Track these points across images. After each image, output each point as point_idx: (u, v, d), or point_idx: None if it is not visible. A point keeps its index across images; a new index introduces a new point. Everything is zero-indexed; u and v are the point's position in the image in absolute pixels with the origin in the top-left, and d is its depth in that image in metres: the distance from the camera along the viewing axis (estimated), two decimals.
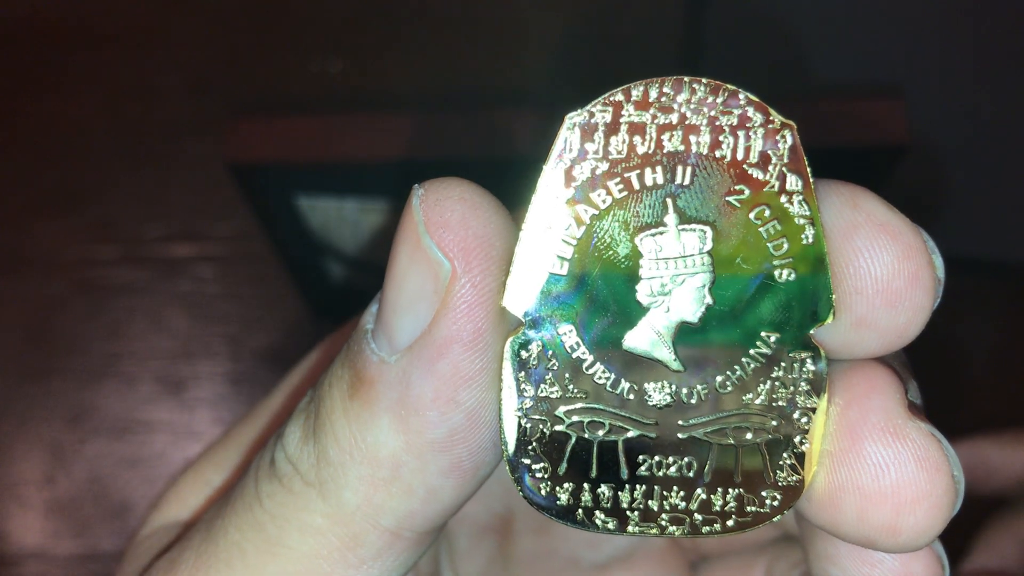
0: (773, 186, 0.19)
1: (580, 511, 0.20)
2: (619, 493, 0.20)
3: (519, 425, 0.20)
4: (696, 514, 0.20)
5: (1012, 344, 0.65)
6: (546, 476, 0.20)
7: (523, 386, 0.20)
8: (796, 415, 0.20)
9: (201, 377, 0.68)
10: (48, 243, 0.70)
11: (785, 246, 0.19)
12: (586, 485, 0.20)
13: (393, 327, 0.19)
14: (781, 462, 0.20)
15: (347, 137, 0.55)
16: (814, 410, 0.20)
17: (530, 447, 0.20)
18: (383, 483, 0.19)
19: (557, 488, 0.20)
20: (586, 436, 0.20)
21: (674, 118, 0.19)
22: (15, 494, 0.66)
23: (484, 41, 0.70)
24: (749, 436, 0.20)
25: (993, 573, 0.41)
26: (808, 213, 0.19)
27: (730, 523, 0.20)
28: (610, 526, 0.20)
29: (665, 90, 0.19)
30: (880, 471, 0.19)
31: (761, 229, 0.19)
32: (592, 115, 0.19)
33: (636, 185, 0.19)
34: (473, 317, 0.19)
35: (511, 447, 0.20)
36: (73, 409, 0.68)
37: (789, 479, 0.20)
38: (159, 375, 0.68)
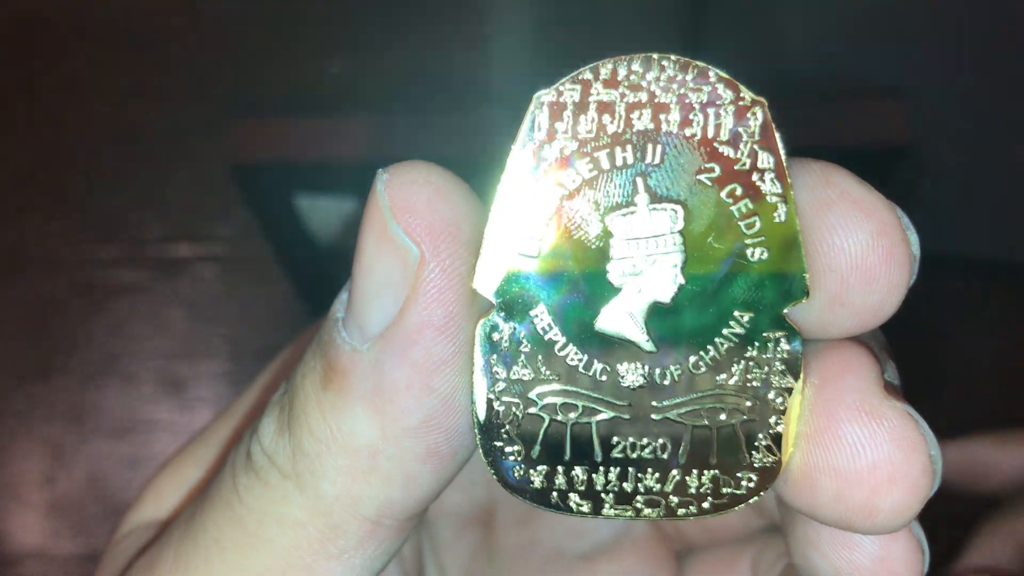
0: (744, 164, 0.19)
1: (554, 494, 0.20)
2: (593, 476, 0.20)
3: (492, 408, 0.19)
4: (671, 496, 0.20)
5: (1013, 345, 0.65)
6: (519, 459, 0.20)
7: (495, 369, 0.19)
8: (771, 395, 0.20)
9: (201, 377, 0.68)
10: (48, 243, 0.70)
11: (757, 224, 0.19)
12: (560, 468, 0.20)
13: (363, 315, 0.19)
14: (757, 443, 0.20)
15: (347, 137, 0.55)
16: (789, 390, 0.20)
17: (503, 430, 0.20)
18: (361, 473, 0.19)
19: (531, 471, 0.20)
20: (559, 418, 0.20)
21: (643, 96, 0.19)
22: (15, 494, 0.66)
23: (484, 41, 0.70)
24: (724, 417, 0.20)
25: (987, 571, 0.41)
26: (780, 191, 0.19)
27: (706, 505, 0.20)
28: (584, 509, 0.20)
29: (634, 68, 0.19)
30: (856, 451, 0.19)
31: (733, 208, 0.19)
32: (560, 93, 0.19)
33: (606, 164, 0.19)
34: (444, 301, 0.19)
35: (484, 430, 0.20)
36: (73, 409, 0.68)
37: (765, 460, 0.20)
38: (159, 375, 0.68)
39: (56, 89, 0.73)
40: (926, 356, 0.25)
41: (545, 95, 0.19)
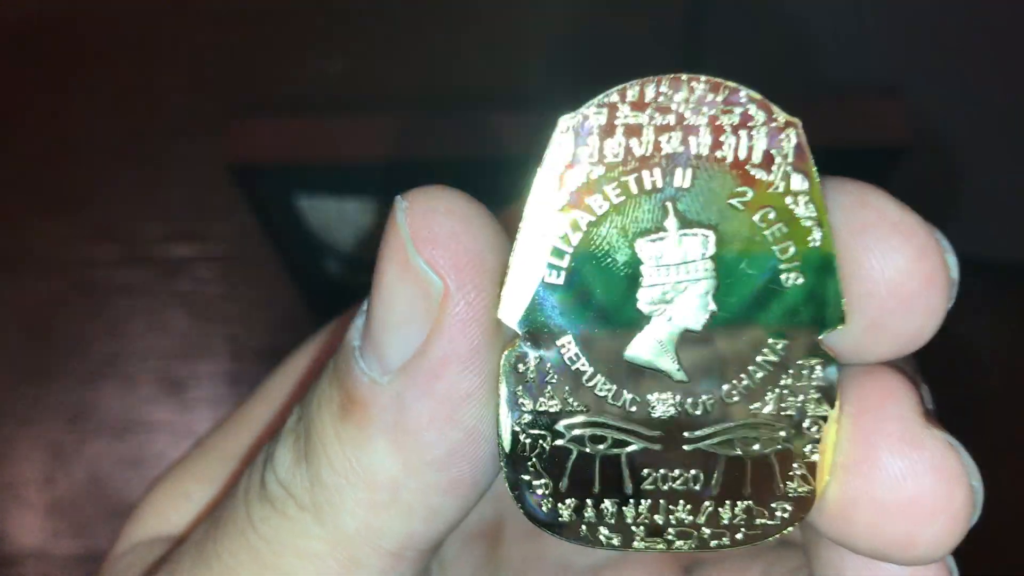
0: (778, 187, 0.18)
1: (583, 527, 0.19)
2: (623, 508, 0.19)
3: (518, 441, 0.19)
4: (704, 528, 0.19)
5: (1018, 344, 0.64)
6: (547, 492, 0.19)
7: (521, 400, 0.19)
8: (806, 424, 0.19)
9: (201, 377, 0.68)
10: (48, 243, 0.70)
11: (791, 249, 0.18)
12: (589, 501, 0.19)
13: (383, 347, 0.19)
14: (791, 472, 0.19)
15: (347, 137, 0.55)
16: (825, 419, 0.19)
17: (530, 463, 0.19)
18: (382, 506, 0.19)
19: (559, 504, 0.19)
20: (587, 450, 0.19)
21: (672, 118, 0.18)
22: (15, 494, 0.66)
23: (485, 42, 0.70)
24: (757, 447, 0.19)
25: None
26: (815, 214, 0.18)
27: (739, 536, 0.19)
28: (615, 542, 0.19)
29: (662, 89, 0.18)
30: (896, 483, 0.18)
31: (766, 232, 0.18)
32: (586, 117, 0.18)
33: (634, 189, 0.18)
34: (468, 335, 0.18)
35: (510, 463, 0.19)
36: (73, 409, 0.68)
37: (800, 490, 0.19)
38: (159, 375, 0.68)
39: (56, 89, 0.73)
40: (936, 360, 0.24)
41: (570, 119, 0.18)
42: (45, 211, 0.71)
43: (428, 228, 0.18)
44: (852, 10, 0.61)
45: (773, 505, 0.19)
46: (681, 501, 0.19)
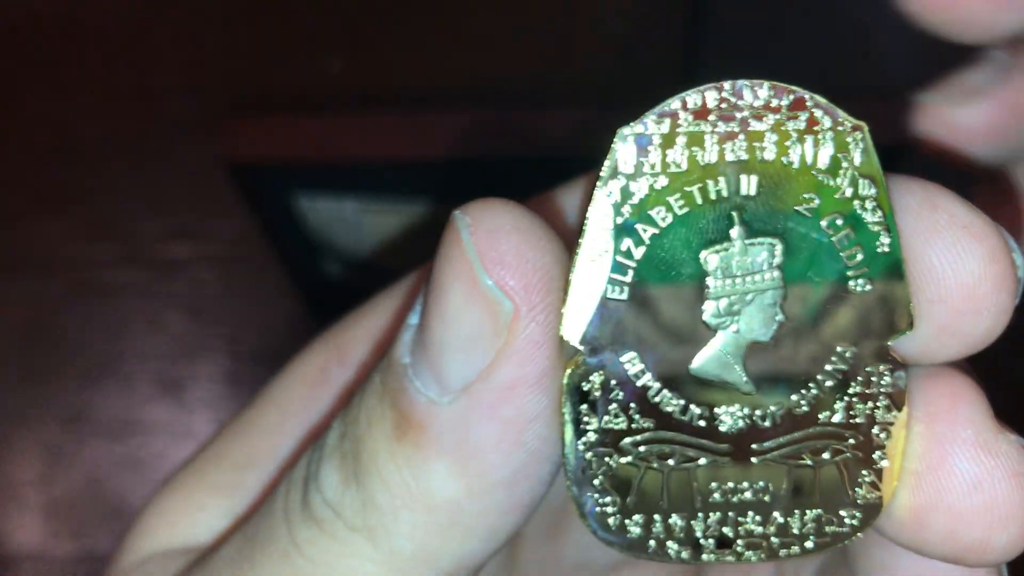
0: (845, 192, 0.18)
1: (652, 542, 0.19)
2: (692, 522, 0.19)
3: (584, 460, 0.19)
4: (773, 538, 0.19)
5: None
6: (615, 510, 0.19)
7: (586, 419, 0.18)
8: (875, 430, 0.19)
9: (200, 377, 0.68)
10: (47, 243, 0.70)
11: (859, 256, 0.18)
12: (657, 516, 0.19)
13: (445, 368, 0.18)
14: (860, 479, 0.19)
15: (347, 137, 0.54)
16: (893, 424, 0.19)
17: (596, 481, 0.19)
18: (441, 528, 0.18)
19: (627, 521, 0.19)
20: (655, 466, 0.19)
21: (735, 125, 0.18)
22: (13, 495, 0.66)
23: (485, 42, 0.70)
24: (826, 456, 0.19)
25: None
26: (883, 219, 0.18)
27: (809, 544, 0.19)
28: (684, 555, 0.19)
29: (724, 96, 0.18)
30: (972, 489, 0.18)
31: (834, 239, 0.18)
32: (646, 127, 0.18)
33: (698, 200, 0.18)
34: (538, 357, 0.18)
35: (576, 483, 0.19)
36: (71, 410, 0.67)
37: (868, 496, 0.19)
38: (158, 375, 0.68)
39: (56, 89, 0.73)
40: None
41: (629, 129, 0.18)
42: (45, 211, 0.71)
43: (495, 248, 0.17)
44: (854, 15, 0.61)
45: (842, 513, 0.19)
46: (750, 512, 0.19)
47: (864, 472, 0.19)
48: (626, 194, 0.18)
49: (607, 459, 0.19)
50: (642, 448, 0.19)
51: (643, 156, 0.18)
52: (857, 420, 0.19)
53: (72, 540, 0.65)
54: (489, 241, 0.17)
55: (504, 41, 0.70)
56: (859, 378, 0.19)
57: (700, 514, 0.19)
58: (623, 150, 0.18)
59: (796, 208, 0.18)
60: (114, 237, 0.70)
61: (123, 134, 0.72)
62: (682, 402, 0.19)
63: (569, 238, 0.19)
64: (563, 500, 0.27)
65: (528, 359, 0.18)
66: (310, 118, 0.55)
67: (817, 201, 0.18)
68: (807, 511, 0.19)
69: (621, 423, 0.19)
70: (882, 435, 0.19)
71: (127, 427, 0.67)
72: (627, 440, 0.19)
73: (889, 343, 0.19)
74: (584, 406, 0.18)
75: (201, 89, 0.71)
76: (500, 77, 0.69)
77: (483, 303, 0.17)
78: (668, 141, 0.18)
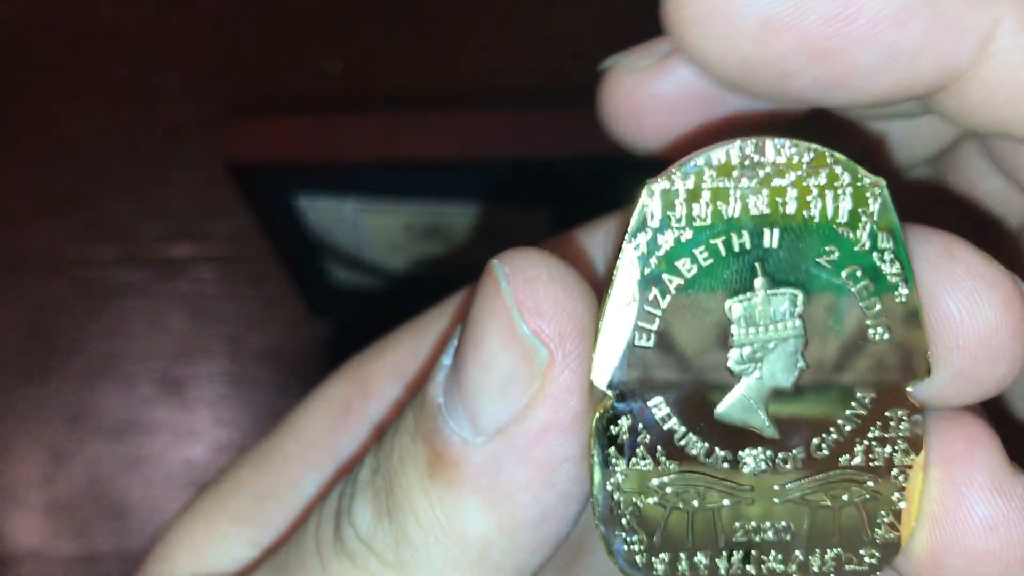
0: (864, 245, 0.19)
1: None
2: (716, 561, 0.20)
3: (611, 500, 0.19)
4: (795, 575, 0.20)
5: None
6: (642, 548, 0.20)
7: (613, 460, 0.19)
8: (894, 473, 0.19)
9: (201, 377, 0.68)
10: (48, 243, 0.70)
11: (878, 306, 0.19)
12: (682, 555, 0.20)
13: (480, 409, 0.19)
14: (879, 520, 0.20)
15: (347, 137, 0.55)
16: (911, 467, 0.19)
17: (623, 520, 0.19)
18: (471, 564, 0.19)
19: (653, 559, 0.20)
20: (680, 507, 0.20)
21: (758, 181, 0.19)
22: (14, 495, 0.66)
23: (485, 42, 0.70)
24: (846, 497, 0.20)
25: None
26: (901, 271, 0.19)
27: None
28: None
29: (747, 152, 0.19)
30: (987, 531, 0.19)
31: (853, 289, 0.19)
32: (672, 182, 0.19)
33: (723, 252, 0.19)
34: (571, 403, 0.18)
35: (605, 522, 0.19)
36: (72, 409, 0.67)
37: (887, 536, 0.20)
38: (159, 375, 0.68)
39: (56, 89, 0.73)
40: None
41: (656, 184, 0.19)
42: (45, 211, 0.71)
43: (533, 297, 0.18)
44: None
45: (862, 552, 0.20)
46: (772, 551, 0.20)
47: (883, 513, 0.20)
48: (653, 246, 0.19)
49: (634, 500, 0.19)
50: (668, 489, 0.19)
51: (669, 209, 0.19)
52: (876, 463, 0.19)
53: (72, 539, 0.65)
54: (527, 290, 0.18)
55: (504, 42, 0.70)
56: (878, 423, 0.19)
57: (724, 552, 0.20)
58: (650, 203, 0.19)
59: (817, 260, 0.19)
60: (114, 237, 0.70)
61: (123, 134, 0.72)
62: (707, 445, 0.19)
63: (595, 282, 0.19)
64: (579, 536, 0.28)
65: (561, 404, 0.18)
66: (310, 118, 0.55)
67: (837, 253, 0.19)
68: (828, 550, 0.20)
69: (648, 465, 0.19)
70: (900, 477, 0.19)
71: (127, 427, 0.67)
72: (654, 482, 0.19)
73: (907, 389, 0.19)
74: (612, 449, 0.19)
75: (202, 90, 0.71)
76: (500, 78, 0.69)
77: (520, 350, 0.18)
78: (693, 196, 0.19)
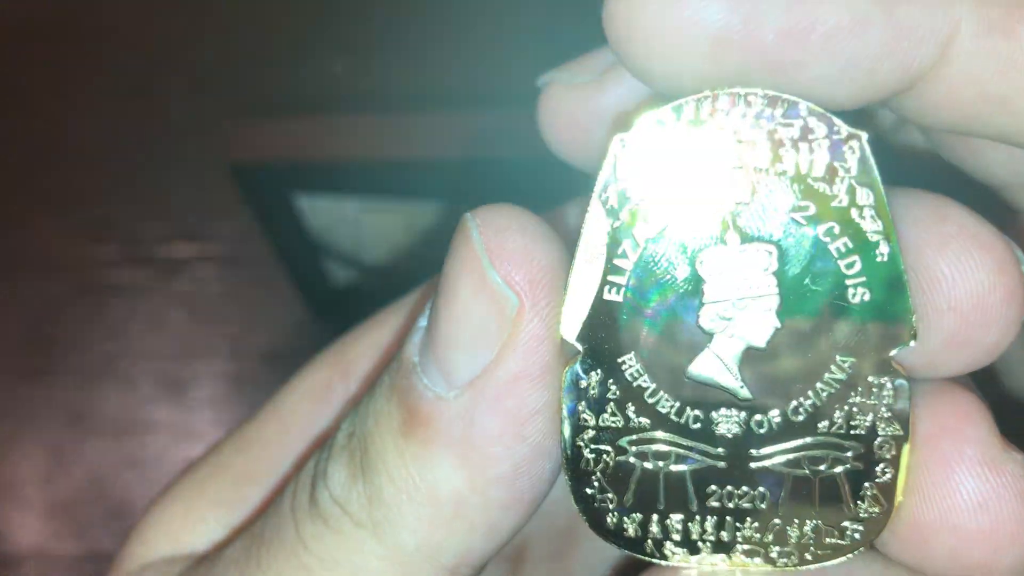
0: (842, 200, 0.18)
1: (649, 542, 0.19)
2: (689, 524, 0.19)
3: (581, 456, 0.19)
4: (772, 546, 0.19)
5: None
6: (612, 507, 0.19)
7: (583, 416, 0.19)
8: (877, 443, 0.19)
9: (201, 377, 0.68)
10: (48, 243, 0.70)
11: (858, 265, 0.18)
12: (654, 516, 0.19)
13: (451, 362, 0.19)
14: (862, 492, 0.19)
15: (347, 137, 0.55)
16: (897, 438, 0.19)
17: (594, 478, 0.19)
18: (444, 522, 0.19)
19: (624, 519, 0.19)
20: (650, 466, 0.19)
21: (729, 134, 0.18)
22: (14, 495, 0.66)
23: (485, 41, 0.70)
24: (824, 467, 0.19)
25: None
26: (881, 228, 0.18)
27: (808, 556, 0.19)
28: (680, 557, 0.19)
29: (718, 105, 0.18)
30: (977, 508, 0.18)
31: (831, 247, 0.18)
32: (641, 134, 0.18)
33: (693, 205, 0.18)
34: (540, 352, 0.18)
35: (575, 478, 0.19)
36: (73, 409, 0.67)
37: (871, 510, 0.19)
38: (159, 375, 0.68)
39: (56, 90, 0.73)
40: None
41: (625, 136, 0.18)
42: (45, 211, 0.71)
43: (503, 246, 0.18)
44: None
45: (844, 525, 0.19)
46: (748, 519, 0.19)
47: (866, 485, 0.19)
48: (622, 199, 0.18)
49: (605, 456, 0.19)
50: (638, 447, 0.19)
51: (639, 162, 0.18)
52: (858, 432, 0.19)
53: (73, 539, 0.65)
54: (497, 239, 0.18)
55: (504, 43, 0.70)
56: (859, 388, 0.19)
57: (697, 517, 0.19)
58: (619, 155, 0.18)
59: (792, 216, 0.18)
60: (115, 237, 0.70)
61: (124, 134, 0.72)
62: (677, 404, 0.19)
63: (569, 242, 0.19)
64: (568, 523, 0.27)
65: (531, 353, 0.18)
66: (310, 118, 0.55)
67: (813, 208, 0.18)
68: (807, 521, 0.19)
69: (618, 421, 0.19)
70: (884, 448, 0.19)
71: (128, 427, 0.67)
72: (624, 439, 0.19)
73: (891, 354, 0.18)
74: (583, 403, 0.19)
75: (203, 90, 0.71)
76: (500, 78, 0.69)
77: (490, 298, 0.18)
78: (662, 148, 0.18)
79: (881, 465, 0.19)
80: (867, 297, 0.18)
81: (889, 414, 0.19)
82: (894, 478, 0.19)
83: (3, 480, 0.66)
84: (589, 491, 0.19)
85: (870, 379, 0.19)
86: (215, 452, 0.27)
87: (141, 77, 0.73)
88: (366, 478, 0.19)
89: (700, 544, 0.19)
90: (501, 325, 0.18)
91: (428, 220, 0.61)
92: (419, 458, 0.19)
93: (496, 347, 0.18)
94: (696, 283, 0.18)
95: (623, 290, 0.19)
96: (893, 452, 0.19)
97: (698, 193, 0.18)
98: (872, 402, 0.19)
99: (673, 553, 0.19)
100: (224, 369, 0.68)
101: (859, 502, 0.19)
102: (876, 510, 0.19)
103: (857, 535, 0.19)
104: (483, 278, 0.18)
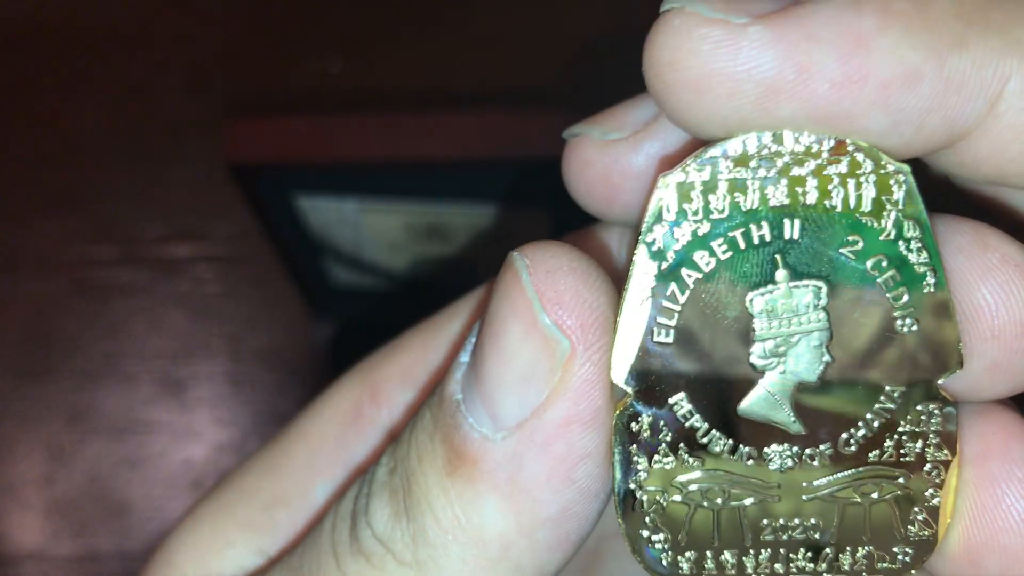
0: (889, 234, 0.18)
1: None
2: (743, 559, 0.19)
3: (634, 498, 0.19)
4: (825, 574, 0.19)
5: None
6: (667, 547, 0.19)
7: (635, 459, 0.19)
8: (927, 468, 0.19)
9: (201, 377, 0.68)
10: (48, 243, 0.70)
11: (905, 296, 0.18)
12: (708, 553, 0.19)
13: (499, 404, 0.18)
14: (912, 516, 0.19)
15: (347, 137, 0.55)
16: (946, 463, 0.19)
17: (647, 519, 0.19)
18: (490, 563, 0.19)
19: (679, 557, 0.19)
20: (705, 505, 0.19)
21: (776, 171, 0.18)
22: (14, 494, 0.66)
23: (485, 41, 0.70)
24: (876, 495, 0.19)
25: None
26: (928, 260, 0.18)
27: None
28: None
29: (765, 143, 0.18)
30: None
31: (879, 280, 0.18)
32: (687, 174, 0.18)
33: (742, 244, 0.19)
34: (591, 396, 0.18)
35: (628, 520, 0.19)
36: (72, 409, 0.67)
37: (921, 533, 0.19)
38: (159, 375, 0.68)
39: (56, 89, 0.73)
40: None
41: (671, 175, 0.18)
42: (45, 211, 0.71)
43: (554, 288, 0.18)
44: None
45: (895, 549, 0.19)
46: (801, 549, 0.19)
47: (916, 510, 0.19)
48: (669, 240, 0.19)
49: (658, 498, 0.19)
50: (692, 487, 0.19)
51: (685, 202, 0.18)
52: (907, 458, 0.19)
53: (73, 539, 0.65)
54: (548, 281, 0.18)
55: (503, 43, 0.70)
56: (908, 417, 0.19)
57: (751, 551, 0.19)
58: (665, 196, 0.18)
59: (840, 250, 0.19)
60: (115, 237, 0.70)
61: (123, 134, 0.72)
62: (730, 442, 0.19)
63: (615, 276, 0.19)
64: (595, 543, 0.27)
65: (582, 398, 0.18)
66: (310, 118, 0.55)
67: (861, 243, 0.18)
68: (859, 548, 0.19)
69: (671, 463, 0.19)
70: (934, 473, 0.19)
71: (128, 427, 0.67)
72: (677, 479, 0.19)
73: (939, 382, 0.19)
74: (634, 446, 0.19)
75: (202, 89, 0.71)
76: (499, 78, 0.69)
77: (540, 341, 0.18)
78: (709, 188, 0.18)
79: (930, 490, 0.19)
80: (915, 327, 0.19)
81: (938, 440, 0.19)
82: (943, 501, 0.19)
83: (3, 480, 0.66)
84: (644, 533, 0.19)
85: (919, 407, 0.19)
86: (240, 474, 0.26)
87: (141, 77, 0.73)
88: (410, 516, 0.19)
89: None
90: (552, 368, 0.18)
91: (428, 220, 0.61)
92: (465, 499, 0.19)
93: (545, 390, 0.18)
94: (746, 322, 0.19)
95: (672, 331, 0.19)
96: (942, 476, 0.19)
97: (747, 231, 0.19)
98: (921, 429, 0.19)
99: None
100: (224, 369, 0.68)
101: (909, 527, 0.19)
102: (926, 533, 0.19)
103: (907, 558, 0.19)
104: (534, 321, 0.18)
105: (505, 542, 0.19)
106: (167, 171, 0.71)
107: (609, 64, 0.67)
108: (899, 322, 0.19)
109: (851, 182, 0.18)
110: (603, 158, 0.21)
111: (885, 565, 0.19)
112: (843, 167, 0.18)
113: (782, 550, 0.19)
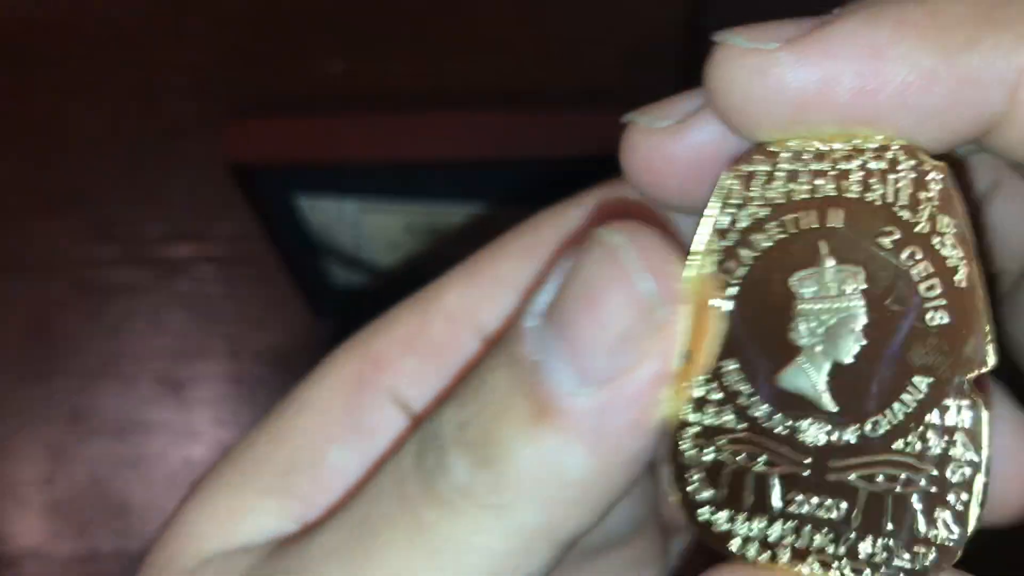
0: (924, 227, 0.19)
1: (736, 540, 0.21)
2: (771, 527, 0.20)
3: (682, 453, 0.21)
4: (844, 559, 0.20)
5: None
6: (707, 500, 0.21)
7: (689, 415, 0.21)
8: (951, 467, 0.19)
9: (201, 377, 0.68)
10: (48, 243, 0.70)
11: (937, 288, 0.19)
12: (740, 516, 0.21)
13: (591, 364, 0.20)
14: (935, 518, 0.19)
15: (347, 137, 0.55)
16: (973, 464, 0.19)
17: (693, 471, 0.21)
18: (569, 504, 0.20)
19: (716, 515, 0.21)
20: (742, 465, 0.21)
21: (827, 165, 0.20)
22: (14, 494, 0.66)
23: (484, 43, 0.70)
24: (899, 488, 0.19)
25: None
26: (961, 255, 0.19)
27: (879, 574, 0.20)
28: (762, 559, 0.20)
29: (819, 139, 0.20)
30: None
31: (912, 271, 0.19)
32: (752, 163, 0.21)
33: (793, 229, 0.20)
34: (673, 356, 0.20)
35: (675, 471, 0.21)
36: (72, 409, 0.68)
37: (945, 538, 0.19)
38: (159, 375, 0.68)
39: (56, 89, 0.73)
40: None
41: (738, 167, 0.21)
42: (45, 211, 0.71)
43: (650, 259, 0.20)
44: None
45: (916, 549, 0.19)
46: (824, 529, 0.20)
47: (938, 510, 0.19)
48: (732, 221, 0.21)
49: (704, 452, 0.21)
50: (734, 447, 0.21)
51: (748, 189, 0.21)
52: (932, 452, 0.19)
53: (73, 539, 0.65)
54: (645, 253, 0.20)
55: (503, 43, 0.70)
56: (935, 411, 0.19)
57: (779, 521, 0.20)
58: (732, 182, 0.21)
59: (878, 240, 0.20)
60: (115, 237, 0.70)
61: (123, 134, 0.72)
62: (769, 408, 0.20)
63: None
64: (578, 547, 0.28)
65: (669, 359, 0.20)
66: (310, 118, 0.55)
67: (897, 234, 0.20)
68: (878, 539, 0.19)
69: (717, 421, 0.21)
70: (960, 473, 0.19)
71: (128, 427, 0.67)
72: (722, 438, 0.21)
73: (967, 377, 0.19)
74: (685, 404, 0.21)
75: (202, 90, 0.71)
76: (500, 78, 0.69)
77: (639, 309, 0.20)
78: (770, 176, 0.21)
79: (954, 492, 0.19)
80: (945, 320, 0.19)
81: (964, 438, 0.19)
82: (968, 505, 0.19)
83: (3, 480, 0.66)
84: (688, 487, 0.21)
85: (946, 402, 0.19)
86: (247, 445, 0.27)
87: (141, 77, 0.73)
88: (491, 465, 0.21)
89: (779, 548, 0.20)
90: (648, 333, 0.20)
91: (428, 220, 0.61)
92: (551, 446, 0.20)
93: (637, 352, 0.20)
94: (790, 300, 0.20)
95: (729, 303, 0.21)
96: (967, 478, 0.19)
97: (798, 218, 0.20)
98: (948, 424, 0.19)
99: (756, 554, 0.21)
100: (224, 369, 0.68)
101: (932, 528, 0.19)
102: (951, 538, 0.19)
103: (929, 561, 0.19)
104: (633, 290, 0.20)
105: (585, 484, 0.20)
106: (168, 171, 0.71)
107: (608, 66, 0.67)
108: (929, 314, 0.19)
109: (891, 177, 0.20)
110: (648, 144, 0.23)
111: (902, 564, 0.19)
112: (885, 164, 0.20)
113: (807, 526, 0.20)
